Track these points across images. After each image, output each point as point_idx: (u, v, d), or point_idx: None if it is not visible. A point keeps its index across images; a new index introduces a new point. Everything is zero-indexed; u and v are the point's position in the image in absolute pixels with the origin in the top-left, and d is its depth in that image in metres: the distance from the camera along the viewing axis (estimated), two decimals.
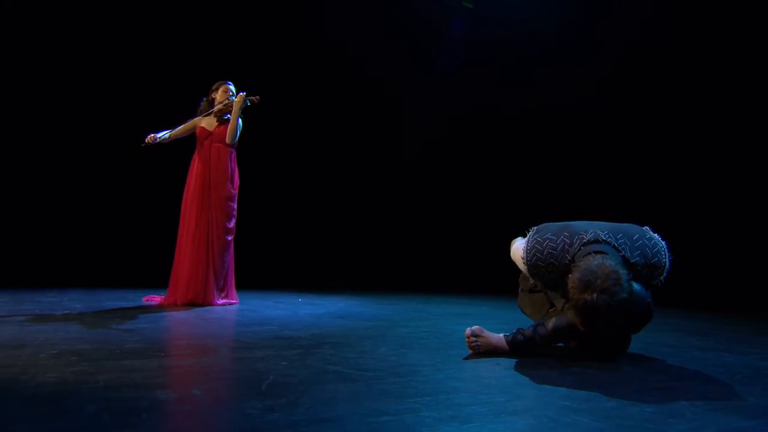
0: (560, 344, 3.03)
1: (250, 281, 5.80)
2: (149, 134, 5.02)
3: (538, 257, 2.78)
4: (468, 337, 2.81)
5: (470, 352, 2.82)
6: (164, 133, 5.07)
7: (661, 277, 2.76)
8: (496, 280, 7.01)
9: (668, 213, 6.50)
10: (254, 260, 6.11)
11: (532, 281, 3.08)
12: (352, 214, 8.38)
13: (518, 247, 2.94)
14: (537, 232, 2.87)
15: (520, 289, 3.22)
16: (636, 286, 2.68)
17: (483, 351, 2.80)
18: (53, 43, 7.20)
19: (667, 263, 2.74)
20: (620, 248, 2.65)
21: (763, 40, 6.60)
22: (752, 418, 1.95)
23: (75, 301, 4.95)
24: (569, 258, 2.69)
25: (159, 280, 5.63)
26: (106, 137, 7.39)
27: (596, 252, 2.59)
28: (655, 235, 2.79)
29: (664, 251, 2.73)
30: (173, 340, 3.29)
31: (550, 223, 2.91)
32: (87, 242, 7.34)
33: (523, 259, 2.85)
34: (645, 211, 4.98)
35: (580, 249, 2.67)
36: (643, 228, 2.83)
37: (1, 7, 4.97)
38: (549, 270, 2.78)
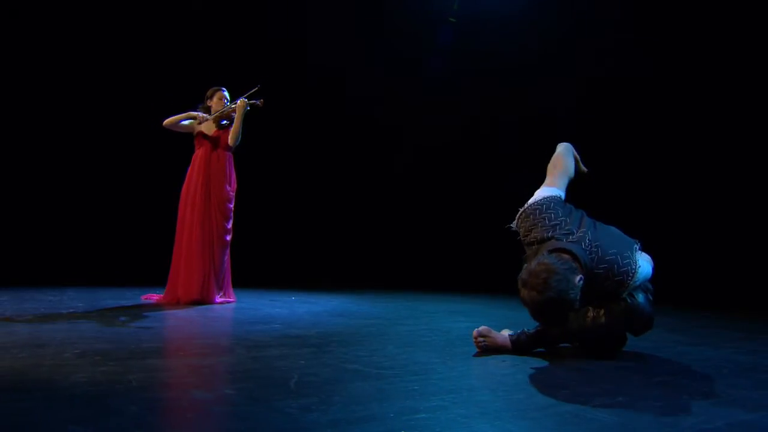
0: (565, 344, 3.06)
1: (240, 280, 5.73)
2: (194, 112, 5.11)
3: (533, 213, 2.81)
4: (476, 338, 2.85)
5: (477, 350, 2.85)
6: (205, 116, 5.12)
7: (624, 293, 2.72)
8: (480, 279, 7.12)
9: (634, 209, 6.61)
10: (241, 259, 6.05)
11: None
12: (337, 214, 8.37)
13: (542, 190, 2.95)
14: (555, 199, 2.86)
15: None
16: (641, 297, 2.70)
17: (489, 349, 2.83)
18: (52, 43, 7.10)
19: (631, 284, 2.67)
20: (590, 255, 2.61)
21: (757, 37, 6.65)
22: (752, 411, 2.01)
23: (75, 299, 4.87)
24: (547, 236, 2.70)
25: (155, 278, 5.57)
26: (102, 138, 7.32)
27: (557, 250, 2.58)
28: (636, 255, 2.73)
29: (632, 273, 2.66)
30: (186, 339, 3.26)
31: (575, 210, 2.89)
32: (81, 241, 7.23)
33: (526, 204, 2.88)
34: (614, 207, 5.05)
35: (559, 240, 2.66)
36: (633, 245, 2.78)
37: None
38: (528, 228, 2.80)
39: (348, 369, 2.43)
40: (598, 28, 7.19)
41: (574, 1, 7.40)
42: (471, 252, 8.07)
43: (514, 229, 2.91)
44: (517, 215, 2.87)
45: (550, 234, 2.69)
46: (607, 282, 2.64)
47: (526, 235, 2.78)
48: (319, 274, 7.61)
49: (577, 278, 2.44)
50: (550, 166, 3.14)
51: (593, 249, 2.61)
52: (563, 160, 3.15)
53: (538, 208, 2.79)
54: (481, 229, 8.03)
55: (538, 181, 3.18)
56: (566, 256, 2.50)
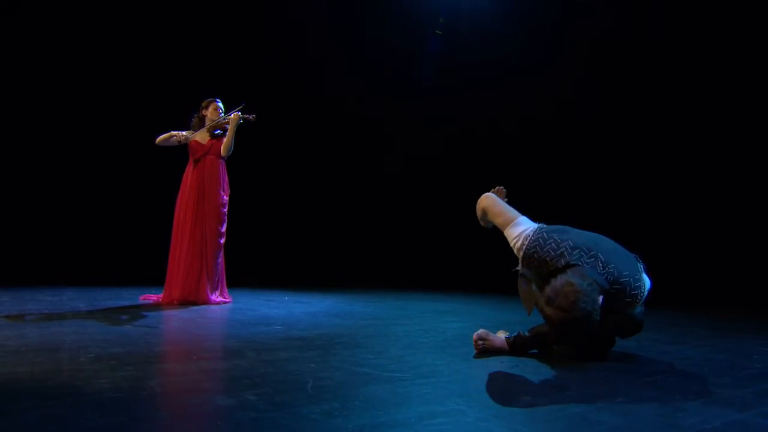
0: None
1: (233, 279, 5.68)
2: (179, 131, 5.07)
3: (536, 251, 2.83)
4: (476, 341, 2.88)
5: (475, 351, 2.88)
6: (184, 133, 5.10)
7: (631, 309, 2.77)
8: (463, 279, 7.15)
9: (604, 209, 6.69)
10: (231, 259, 6.02)
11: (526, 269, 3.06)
12: (323, 215, 8.36)
13: (516, 230, 2.95)
14: (545, 229, 2.89)
15: (519, 273, 3.10)
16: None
17: (487, 351, 2.87)
18: (53, 45, 7.00)
19: (641, 300, 2.75)
20: (607, 277, 2.66)
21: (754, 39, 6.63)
22: (743, 411, 2.06)
23: (75, 300, 4.81)
24: (563, 263, 2.73)
25: (151, 278, 5.52)
26: (101, 141, 7.23)
27: (578, 272, 2.62)
28: (644, 275, 2.80)
29: (641, 294, 2.74)
30: (195, 341, 3.22)
31: (564, 227, 2.93)
32: (76, 241, 7.13)
33: (521, 247, 2.89)
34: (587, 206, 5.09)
35: (577, 265, 2.69)
36: (637, 264, 2.83)
37: None
38: (540, 264, 2.83)
39: (359, 372, 2.43)
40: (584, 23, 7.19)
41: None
42: (453, 252, 8.11)
43: (521, 271, 2.94)
44: (521, 260, 2.89)
45: (563, 263, 2.71)
46: (618, 301, 2.69)
47: (540, 269, 2.81)
48: (307, 273, 7.58)
49: (600, 298, 2.53)
50: (491, 215, 3.18)
51: (608, 271, 2.67)
52: (491, 205, 3.18)
53: (536, 245, 2.82)
54: (463, 230, 8.08)
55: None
56: (588, 278, 2.55)
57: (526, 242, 2.87)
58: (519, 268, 2.98)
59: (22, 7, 6.82)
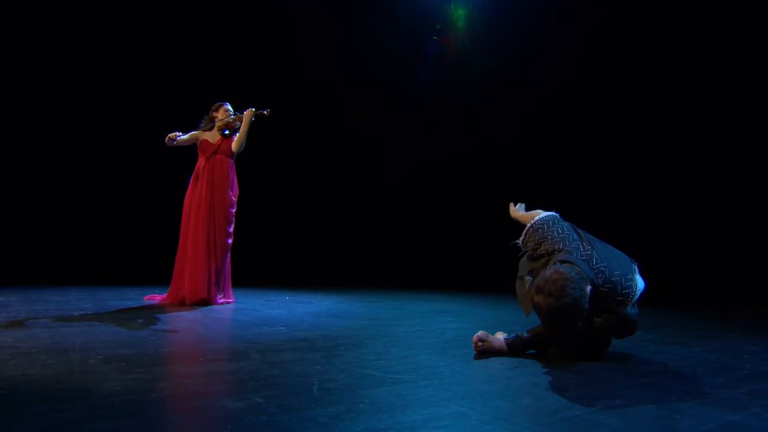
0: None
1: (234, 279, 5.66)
2: (172, 132, 4.97)
3: (541, 227, 2.86)
4: (476, 342, 2.88)
5: (475, 352, 2.89)
6: (180, 135, 5.02)
7: (623, 308, 2.79)
8: (456, 278, 7.16)
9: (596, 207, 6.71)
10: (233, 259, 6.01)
11: (524, 270, 3.07)
12: (317, 217, 8.36)
13: (539, 212, 2.99)
14: (560, 219, 2.93)
15: (518, 275, 3.10)
16: (629, 308, 2.78)
17: (486, 352, 2.87)
18: (60, 46, 6.98)
19: (630, 303, 2.76)
20: (598, 275, 2.67)
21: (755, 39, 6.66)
22: (737, 412, 2.07)
23: (81, 300, 4.80)
24: (559, 247, 2.74)
25: (153, 278, 5.51)
26: (105, 141, 7.21)
27: (568, 262, 2.63)
28: (637, 276, 2.80)
29: (632, 294, 2.73)
30: (201, 343, 3.21)
31: (573, 224, 2.95)
32: (77, 240, 7.12)
33: (531, 221, 2.93)
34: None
35: (569, 253, 2.69)
36: (632, 265, 2.83)
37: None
38: (536, 244, 2.84)
39: (362, 374, 2.42)
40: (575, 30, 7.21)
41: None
42: (452, 252, 8.12)
43: (519, 245, 2.96)
44: (524, 232, 2.91)
45: (561, 246, 2.73)
46: (609, 299, 2.71)
47: (536, 249, 2.82)
48: (307, 273, 7.58)
49: (588, 288, 2.52)
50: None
51: (600, 269, 2.67)
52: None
53: (545, 223, 2.85)
54: (462, 230, 8.10)
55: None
56: (577, 267, 2.55)
57: (538, 218, 2.91)
58: (518, 241, 3.00)
59: (27, 8, 6.80)
